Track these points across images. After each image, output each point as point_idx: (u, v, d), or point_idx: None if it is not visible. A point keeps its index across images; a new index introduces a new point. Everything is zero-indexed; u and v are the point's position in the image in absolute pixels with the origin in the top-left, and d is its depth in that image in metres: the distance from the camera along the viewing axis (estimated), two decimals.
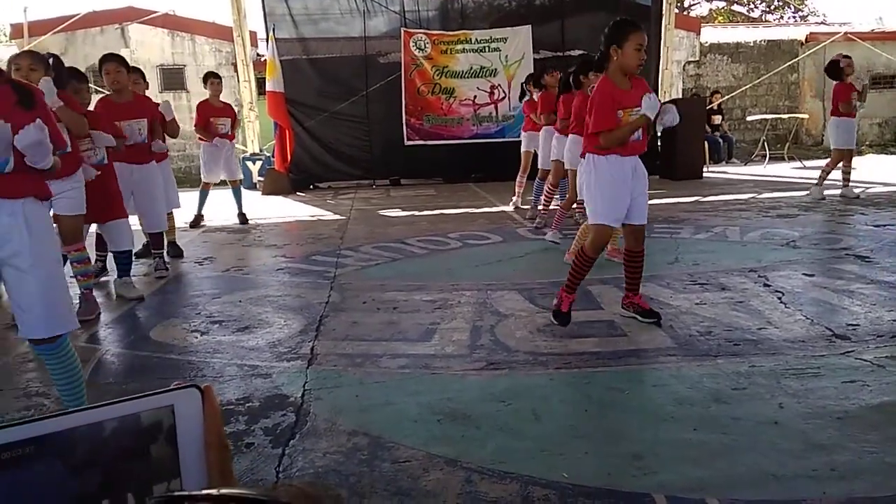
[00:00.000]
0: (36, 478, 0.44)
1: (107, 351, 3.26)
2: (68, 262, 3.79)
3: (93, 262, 4.34)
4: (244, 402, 2.54)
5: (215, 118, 6.76)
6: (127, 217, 4.20)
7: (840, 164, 7.22)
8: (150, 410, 0.48)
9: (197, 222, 7.02)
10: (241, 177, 7.29)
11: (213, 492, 0.43)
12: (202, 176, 6.99)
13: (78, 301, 3.84)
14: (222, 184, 7.36)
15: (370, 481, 1.94)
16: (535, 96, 6.47)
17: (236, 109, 7.85)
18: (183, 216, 6.47)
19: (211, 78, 6.85)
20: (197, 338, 3.38)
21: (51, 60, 3.51)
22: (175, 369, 2.96)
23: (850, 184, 7.31)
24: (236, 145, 7.31)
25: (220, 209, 7.37)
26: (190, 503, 0.42)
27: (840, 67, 6.96)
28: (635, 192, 3.22)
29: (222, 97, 7.01)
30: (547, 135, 6.03)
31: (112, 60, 4.47)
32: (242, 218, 7.16)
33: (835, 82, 7.12)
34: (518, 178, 7.23)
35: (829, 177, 7.30)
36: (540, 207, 6.16)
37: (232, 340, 3.30)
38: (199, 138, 6.97)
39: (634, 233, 3.30)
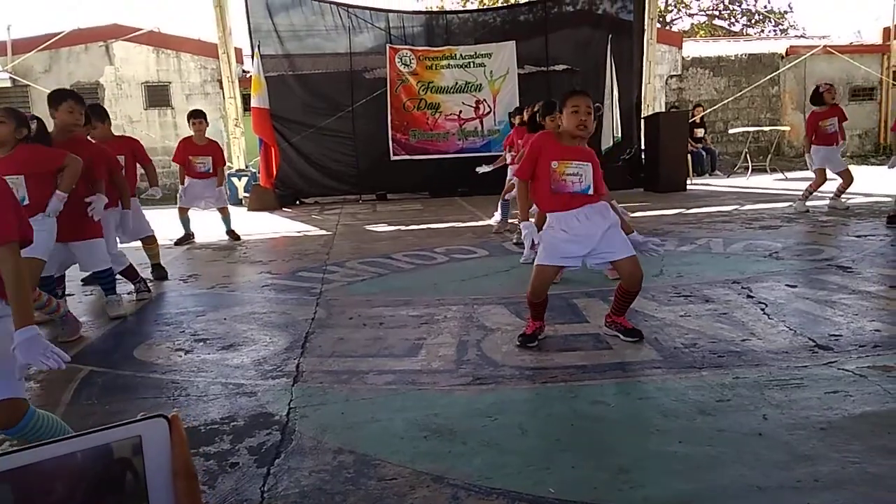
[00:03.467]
0: None
1: (89, 370, 3.22)
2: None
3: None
4: (229, 420, 2.52)
5: (194, 157, 6.80)
6: (96, 237, 4.03)
7: (836, 184, 7.34)
8: (118, 441, 0.48)
9: (184, 240, 7.01)
10: (227, 204, 7.27)
11: None
12: (179, 201, 7.03)
13: (61, 326, 3.80)
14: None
15: (356, 500, 1.93)
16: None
17: (221, 132, 7.82)
18: (163, 236, 6.45)
19: (192, 118, 6.87)
20: (181, 356, 3.35)
21: (34, 124, 3.46)
22: (158, 388, 2.93)
23: (808, 200, 7.40)
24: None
25: (206, 227, 7.34)
26: None
27: (820, 93, 7.14)
28: (595, 232, 3.09)
29: (209, 114, 7.07)
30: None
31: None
32: (233, 235, 7.16)
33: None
34: (501, 199, 7.19)
35: (822, 191, 7.39)
36: (515, 221, 6.23)
37: (216, 359, 3.27)
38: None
39: (626, 270, 3.13)
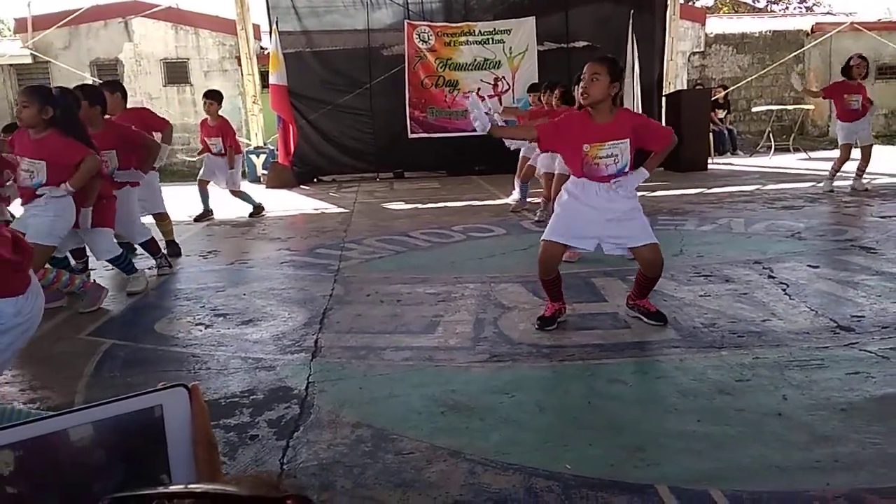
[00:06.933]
0: (21, 480, 0.45)
1: (112, 343, 3.27)
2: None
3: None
4: (248, 394, 2.55)
5: (208, 137, 6.97)
6: (103, 226, 4.01)
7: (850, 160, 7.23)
8: (140, 409, 0.48)
9: (203, 217, 7.07)
10: (239, 187, 7.29)
11: (180, 487, 0.44)
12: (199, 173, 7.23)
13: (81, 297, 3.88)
14: None
15: (374, 473, 1.95)
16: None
17: (239, 108, 7.83)
18: (177, 214, 6.50)
19: (203, 98, 7.01)
20: (201, 331, 3.39)
21: (56, 92, 3.47)
22: (179, 362, 2.97)
23: (835, 179, 7.27)
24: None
25: (226, 204, 7.38)
26: (165, 500, 0.43)
27: (850, 66, 6.96)
28: (612, 215, 2.99)
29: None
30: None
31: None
32: (258, 209, 7.28)
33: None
34: (515, 181, 7.11)
35: (845, 170, 7.26)
36: (539, 201, 6.19)
37: (236, 333, 3.31)
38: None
39: (643, 257, 3.04)
